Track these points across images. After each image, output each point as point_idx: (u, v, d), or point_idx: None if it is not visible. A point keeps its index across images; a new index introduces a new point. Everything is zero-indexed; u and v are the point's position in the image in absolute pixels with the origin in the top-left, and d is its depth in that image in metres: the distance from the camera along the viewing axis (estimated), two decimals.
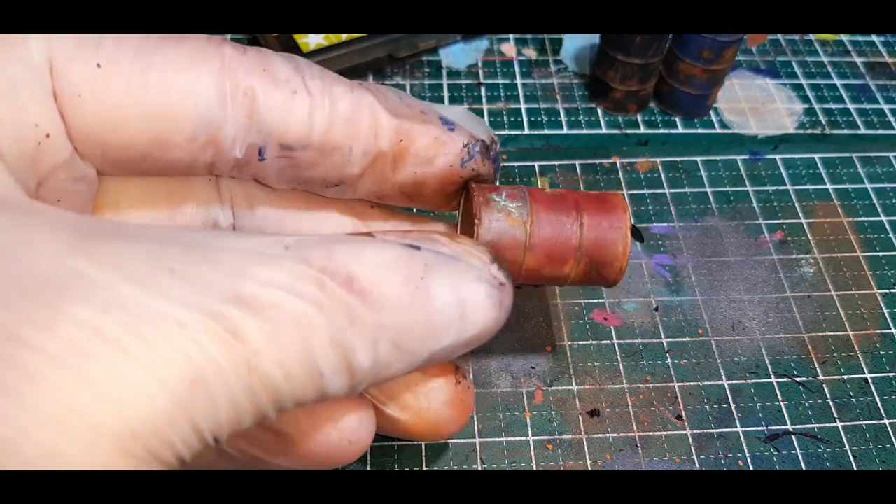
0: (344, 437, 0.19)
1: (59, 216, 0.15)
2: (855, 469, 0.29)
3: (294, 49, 0.41)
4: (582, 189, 0.38)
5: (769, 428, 0.30)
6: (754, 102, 0.43)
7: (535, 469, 0.29)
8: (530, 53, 0.46)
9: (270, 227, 0.22)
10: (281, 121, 0.19)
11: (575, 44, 0.46)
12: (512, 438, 0.30)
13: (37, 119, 0.17)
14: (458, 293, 0.17)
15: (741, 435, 0.30)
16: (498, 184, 0.23)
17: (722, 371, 0.32)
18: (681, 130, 0.41)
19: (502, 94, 0.43)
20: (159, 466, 0.14)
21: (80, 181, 0.19)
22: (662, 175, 0.39)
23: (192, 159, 0.19)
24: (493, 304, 0.18)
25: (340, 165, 0.20)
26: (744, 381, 0.31)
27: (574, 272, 0.22)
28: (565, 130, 0.41)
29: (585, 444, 0.30)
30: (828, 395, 0.31)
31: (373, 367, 0.16)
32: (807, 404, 0.31)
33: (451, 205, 0.23)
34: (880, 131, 0.42)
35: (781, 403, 0.31)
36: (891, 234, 0.37)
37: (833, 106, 0.43)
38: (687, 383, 0.31)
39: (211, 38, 0.19)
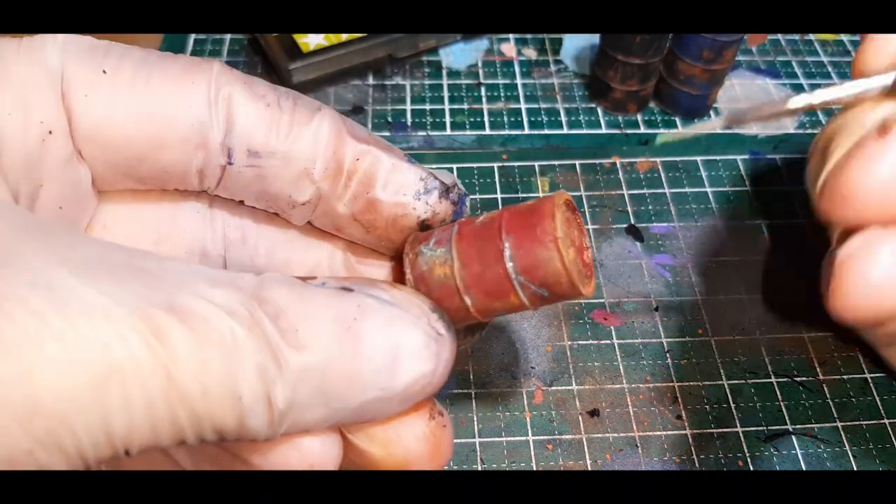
0: (305, 459, 0.18)
1: (15, 209, 0.16)
2: (855, 469, 0.29)
3: (294, 49, 0.41)
4: (582, 189, 0.38)
5: (769, 428, 0.30)
6: (754, 102, 0.43)
7: (535, 469, 0.29)
8: (530, 53, 0.46)
9: (261, 258, 0.23)
10: (251, 128, 0.20)
11: (575, 44, 0.46)
12: (512, 438, 0.30)
13: (42, 116, 0.18)
14: (391, 340, 0.17)
15: (741, 435, 0.30)
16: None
17: (722, 371, 0.32)
18: (681, 130, 0.41)
19: (502, 94, 0.43)
20: (59, 458, 0.14)
21: (78, 187, 0.19)
22: (662, 175, 0.39)
23: (185, 162, 0.20)
24: (430, 355, 0.17)
25: (304, 177, 0.20)
26: (744, 381, 0.31)
27: (527, 299, 0.20)
28: (565, 130, 0.41)
29: (585, 444, 0.30)
30: (828, 395, 0.31)
31: (292, 408, 0.16)
32: (807, 404, 0.31)
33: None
34: None
35: (781, 403, 0.31)
36: None
37: (833, 106, 0.43)
38: (687, 383, 0.31)
39: (203, 58, 0.21)
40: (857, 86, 0.22)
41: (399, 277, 0.21)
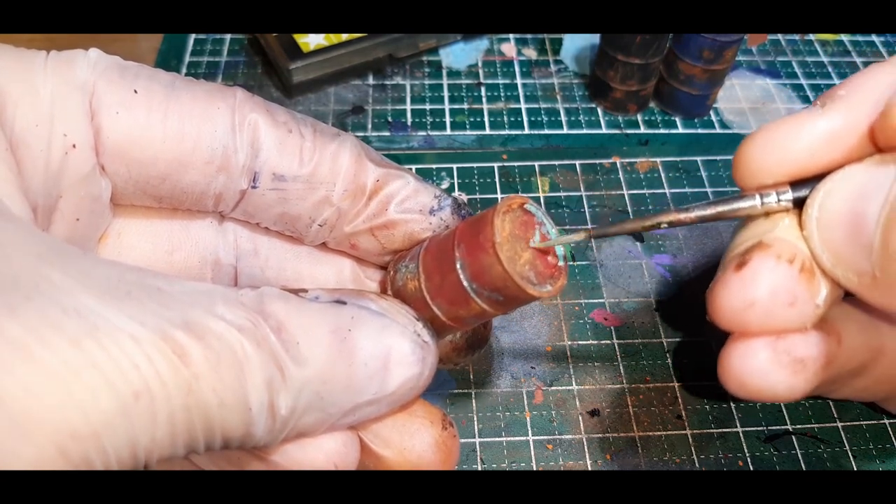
0: (330, 459, 0.19)
1: (35, 232, 0.16)
2: (855, 469, 0.29)
3: (294, 49, 0.41)
4: (582, 189, 0.38)
5: (769, 428, 0.30)
6: (754, 102, 0.43)
7: (535, 469, 0.29)
8: (530, 53, 0.46)
9: (272, 270, 0.24)
10: (276, 152, 0.21)
11: (575, 44, 0.46)
12: (512, 438, 0.30)
13: (66, 130, 0.19)
14: (383, 347, 0.18)
15: (741, 435, 0.30)
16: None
17: None
18: (681, 130, 0.41)
19: (502, 94, 0.43)
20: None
21: (97, 201, 0.20)
22: (662, 175, 0.39)
23: (205, 184, 0.20)
24: (417, 360, 0.19)
25: (325, 200, 0.21)
26: None
27: (487, 305, 0.20)
28: (565, 130, 0.41)
29: (585, 444, 0.30)
30: None
31: (293, 414, 0.17)
32: (807, 404, 0.31)
33: None
34: None
35: (781, 403, 0.31)
36: None
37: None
38: (687, 383, 0.31)
39: (226, 85, 0.21)
40: (729, 207, 0.22)
41: (385, 293, 0.23)
